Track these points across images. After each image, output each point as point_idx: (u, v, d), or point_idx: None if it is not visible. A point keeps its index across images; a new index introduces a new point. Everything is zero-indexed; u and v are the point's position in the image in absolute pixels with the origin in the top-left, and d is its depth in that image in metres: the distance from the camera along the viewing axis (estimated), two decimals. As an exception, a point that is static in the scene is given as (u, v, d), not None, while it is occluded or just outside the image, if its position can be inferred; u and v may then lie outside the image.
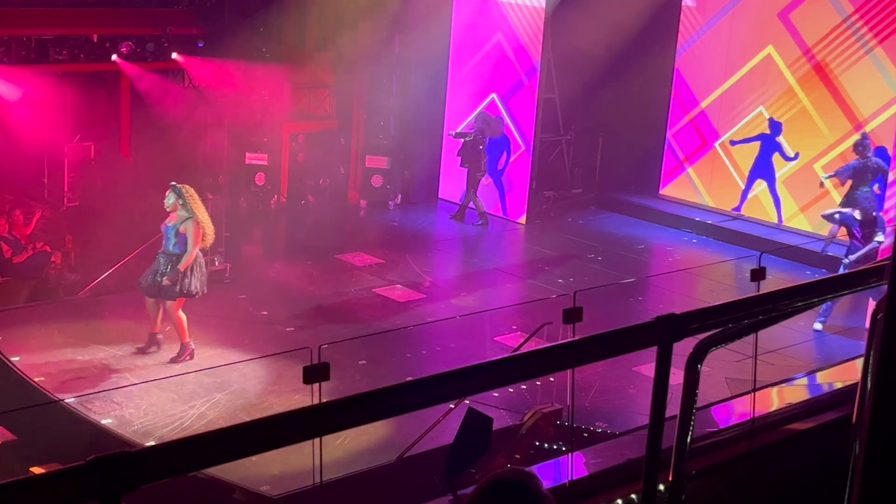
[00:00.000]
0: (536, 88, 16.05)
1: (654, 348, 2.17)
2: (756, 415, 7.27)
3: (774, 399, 8.50)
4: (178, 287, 10.18)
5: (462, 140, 16.18)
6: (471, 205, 16.27)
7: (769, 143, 15.69)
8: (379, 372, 10.19)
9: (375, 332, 11.08)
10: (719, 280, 14.10)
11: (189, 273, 10.21)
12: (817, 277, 10.49)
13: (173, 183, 10.30)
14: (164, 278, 10.15)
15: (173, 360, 10.34)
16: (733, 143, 16.09)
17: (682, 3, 16.66)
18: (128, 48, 15.33)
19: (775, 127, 15.57)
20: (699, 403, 2.28)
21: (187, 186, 10.32)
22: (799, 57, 15.28)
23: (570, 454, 7.08)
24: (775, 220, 15.66)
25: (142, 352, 10.48)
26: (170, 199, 10.23)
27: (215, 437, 1.66)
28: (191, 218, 10.15)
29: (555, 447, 8.58)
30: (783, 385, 9.01)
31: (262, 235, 15.51)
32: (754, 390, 7.60)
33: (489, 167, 16.29)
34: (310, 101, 16.98)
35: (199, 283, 10.33)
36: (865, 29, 14.56)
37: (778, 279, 12.53)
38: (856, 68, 14.72)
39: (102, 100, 16.43)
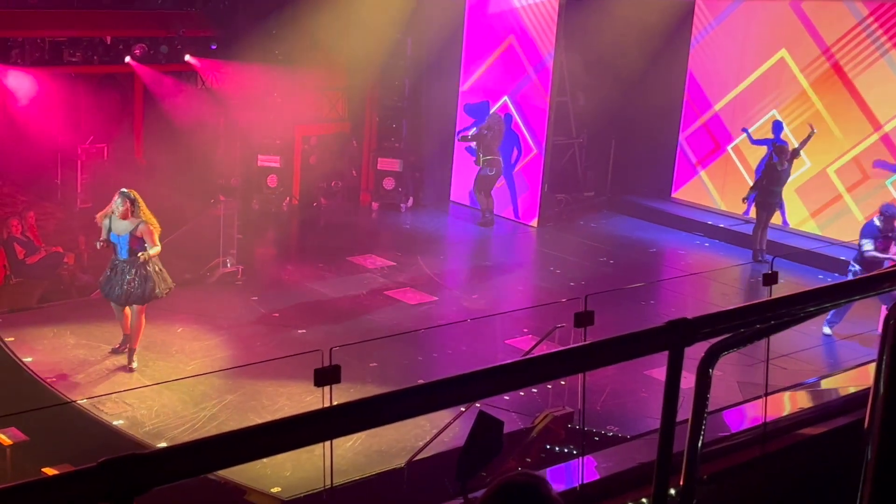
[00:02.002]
0: (549, 91, 16.04)
1: (666, 352, 2.16)
2: (768, 419, 7.24)
3: (786, 403, 8.46)
4: (150, 290, 10.20)
5: (470, 143, 16.20)
6: (476, 204, 16.29)
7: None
8: (390, 374, 10.19)
9: (386, 334, 11.09)
10: (731, 284, 14.06)
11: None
12: (830, 282, 10.46)
13: (124, 190, 10.19)
14: (150, 285, 10.13)
15: (128, 369, 10.26)
16: (746, 131, 15.92)
17: (695, 6, 16.64)
18: (141, 50, 15.38)
19: (777, 128, 15.50)
20: (711, 408, 2.27)
21: (135, 192, 10.27)
22: (814, 59, 15.23)
23: (581, 457, 7.07)
24: (780, 223, 15.60)
25: (116, 352, 10.50)
26: (122, 205, 10.05)
27: (227, 439, 1.66)
28: (142, 222, 10.08)
29: (566, 450, 8.57)
30: (795, 389, 8.98)
31: (274, 237, 15.53)
32: (766, 395, 7.57)
33: (504, 169, 16.29)
34: (322, 103, 17.01)
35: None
36: (881, 32, 14.51)
37: (790, 283, 12.50)
38: (871, 71, 14.67)
39: (116, 102, 16.49)
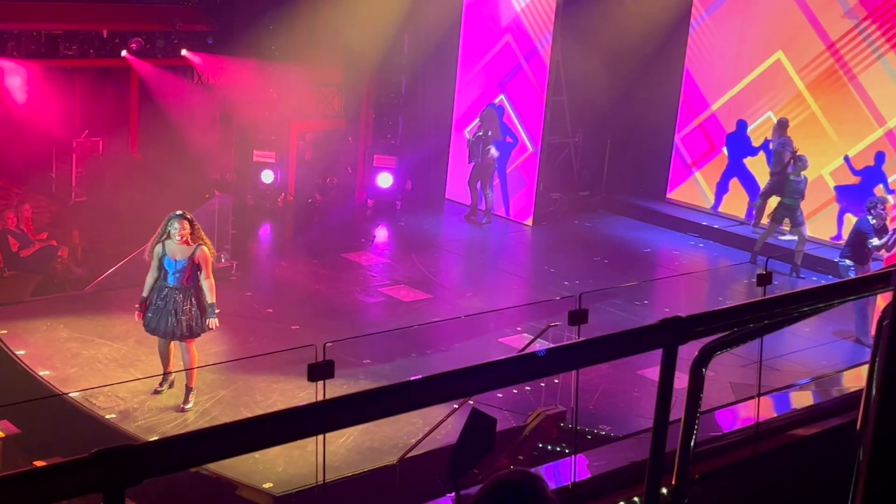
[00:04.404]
0: (545, 90, 16.04)
1: (658, 353, 2.16)
2: (760, 420, 7.25)
3: (779, 404, 8.48)
4: (204, 323, 9.45)
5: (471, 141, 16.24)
6: (472, 200, 16.33)
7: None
8: (383, 371, 10.20)
9: (380, 331, 11.09)
10: (725, 284, 14.08)
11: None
12: (823, 283, 10.48)
13: (181, 212, 9.36)
14: (208, 321, 9.36)
15: (182, 409, 9.33)
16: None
17: (692, 5, 16.64)
18: (137, 44, 15.36)
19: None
20: (703, 407, 2.27)
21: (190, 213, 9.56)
22: (810, 61, 15.24)
23: (573, 456, 7.07)
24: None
25: (158, 392, 9.57)
26: (182, 228, 9.19)
27: (218, 432, 1.67)
28: (200, 245, 9.34)
29: (558, 449, 8.58)
30: (788, 390, 8.99)
31: (268, 233, 15.52)
32: (759, 395, 7.58)
33: (499, 167, 16.30)
34: (318, 99, 16.99)
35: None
36: (878, 33, 14.52)
37: (784, 284, 12.53)
38: (867, 73, 14.68)
39: (111, 95, 16.46)
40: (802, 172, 14.10)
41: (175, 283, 9.26)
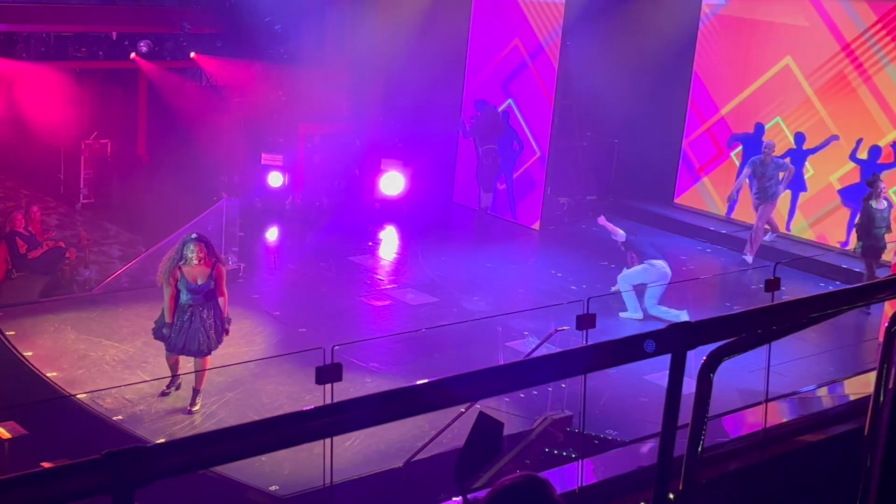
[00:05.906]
0: (553, 93, 16.03)
1: (666, 358, 2.16)
2: (768, 425, 7.25)
3: (786, 410, 8.47)
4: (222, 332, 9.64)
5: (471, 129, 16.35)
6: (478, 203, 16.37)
7: (796, 157, 15.51)
8: (389, 375, 10.20)
9: (387, 334, 11.09)
10: (733, 290, 14.04)
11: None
12: (831, 289, 10.45)
13: (194, 234, 9.51)
14: (222, 331, 9.54)
15: (189, 411, 9.45)
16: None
17: (702, 7, 16.63)
18: (146, 46, 15.42)
19: (799, 140, 15.47)
20: (710, 413, 2.27)
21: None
22: (818, 67, 15.21)
23: (580, 461, 7.08)
24: (783, 229, 15.56)
25: (165, 394, 9.66)
26: (200, 252, 9.27)
27: (227, 434, 1.67)
28: (217, 263, 9.45)
29: (565, 454, 8.58)
30: (795, 396, 8.98)
31: (275, 236, 15.54)
32: (766, 401, 7.58)
33: (504, 166, 16.31)
34: (326, 102, 17.01)
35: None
36: (888, 38, 14.48)
37: (792, 290, 12.49)
38: (875, 80, 14.64)
39: (120, 97, 16.52)
40: (882, 198, 13.19)
41: (193, 301, 9.35)
